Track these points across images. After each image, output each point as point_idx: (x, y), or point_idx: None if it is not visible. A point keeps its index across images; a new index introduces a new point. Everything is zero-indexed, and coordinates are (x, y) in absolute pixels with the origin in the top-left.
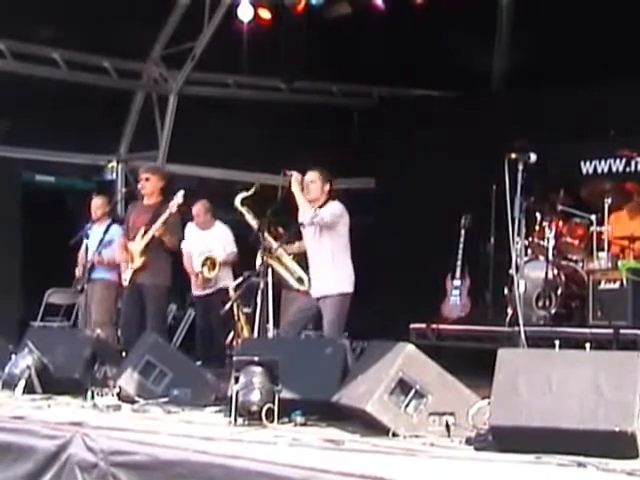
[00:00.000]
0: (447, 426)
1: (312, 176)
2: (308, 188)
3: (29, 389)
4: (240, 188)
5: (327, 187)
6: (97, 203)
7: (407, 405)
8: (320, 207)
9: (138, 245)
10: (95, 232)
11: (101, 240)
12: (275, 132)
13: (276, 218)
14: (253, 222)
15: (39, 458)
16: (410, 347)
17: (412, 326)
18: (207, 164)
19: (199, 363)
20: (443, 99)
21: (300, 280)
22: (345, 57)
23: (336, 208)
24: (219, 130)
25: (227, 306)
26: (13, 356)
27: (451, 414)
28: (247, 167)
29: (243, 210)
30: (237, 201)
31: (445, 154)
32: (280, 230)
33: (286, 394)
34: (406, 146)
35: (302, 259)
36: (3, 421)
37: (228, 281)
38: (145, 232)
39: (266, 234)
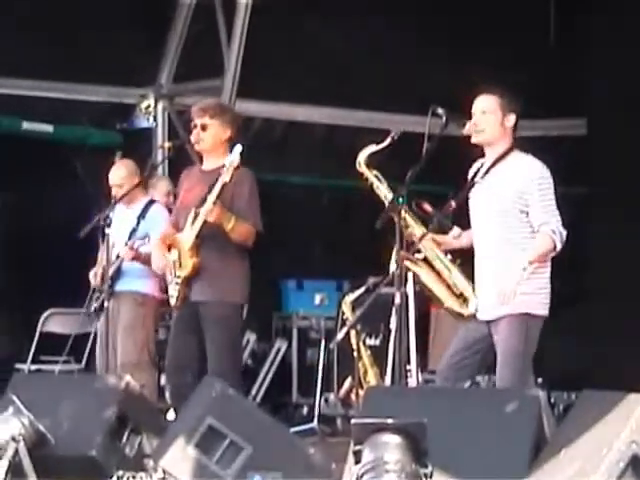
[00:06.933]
0: None
1: (486, 102)
2: (477, 123)
3: (16, 474)
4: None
5: (510, 122)
6: (120, 173)
7: None
8: (499, 159)
9: (187, 238)
10: (122, 216)
11: (134, 229)
12: (414, 46)
13: (418, 186)
14: (386, 192)
15: None
16: None
17: None
18: (302, 100)
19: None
20: None
21: (463, 298)
22: None
23: (539, 175)
24: (321, 46)
25: (340, 335)
26: None
27: None
28: (369, 104)
29: (370, 175)
30: (361, 159)
31: None
32: (427, 207)
33: (441, 479)
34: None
35: (467, 258)
36: None
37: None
38: (196, 216)
39: (405, 214)
